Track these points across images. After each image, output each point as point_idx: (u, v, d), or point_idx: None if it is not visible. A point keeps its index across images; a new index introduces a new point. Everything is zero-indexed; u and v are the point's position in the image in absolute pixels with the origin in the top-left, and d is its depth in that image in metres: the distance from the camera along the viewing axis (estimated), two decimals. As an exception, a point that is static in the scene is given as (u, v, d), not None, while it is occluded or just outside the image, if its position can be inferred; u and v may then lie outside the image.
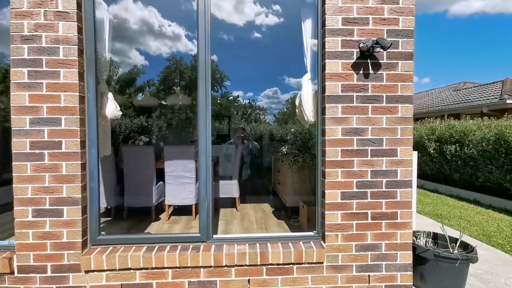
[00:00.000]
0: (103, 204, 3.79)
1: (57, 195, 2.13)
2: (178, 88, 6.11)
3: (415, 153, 2.95)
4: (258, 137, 8.46)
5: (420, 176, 8.18)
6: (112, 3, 2.36)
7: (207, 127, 2.31)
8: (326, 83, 2.28)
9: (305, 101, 2.48)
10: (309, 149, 3.48)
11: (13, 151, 2.10)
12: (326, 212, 2.29)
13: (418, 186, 8.12)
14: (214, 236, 2.37)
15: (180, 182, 3.87)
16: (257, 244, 2.32)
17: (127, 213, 3.93)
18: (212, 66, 2.31)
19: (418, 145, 7.81)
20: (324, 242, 2.32)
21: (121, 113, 2.50)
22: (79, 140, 2.13)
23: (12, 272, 2.13)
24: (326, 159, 2.28)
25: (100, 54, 2.33)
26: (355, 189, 2.30)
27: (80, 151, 2.14)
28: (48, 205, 2.13)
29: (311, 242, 2.37)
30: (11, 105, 2.09)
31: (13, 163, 2.11)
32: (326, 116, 2.28)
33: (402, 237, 2.33)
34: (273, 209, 4.50)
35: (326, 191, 2.29)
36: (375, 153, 2.30)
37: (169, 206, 3.93)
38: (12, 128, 2.10)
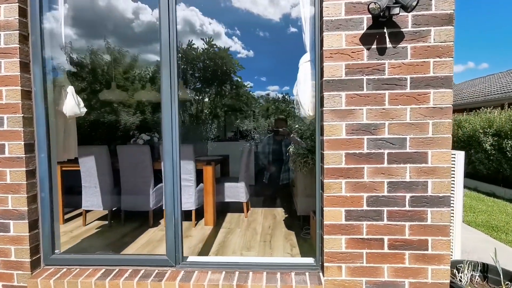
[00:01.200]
0: (100, 208, 3.58)
1: (3, 207, 1.85)
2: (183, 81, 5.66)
3: (461, 154, 2.22)
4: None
5: (473, 176, 6.99)
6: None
7: (173, 124, 1.86)
8: (324, 64, 1.68)
9: (302, 89, 1.91)
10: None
11: (-44, 156, 1.85)
12: (325, 237, 1.72)
13: (470, 188, 6.95)
14: (189, 258, 1.93)
15: (179, 184, 3.50)
16: (236, 273, 1.83)
17: (124, 217, 3.68)
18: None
19: (471, 140, 6.64)
20: (323, 275, 1.76)
21: (85, 110, 2.16)
22: (22, 143, 1.81)
23: (-40, 292, 1.90)
24: (325, 166, 1.70)
25: (54, 42, 1.99)
26: (365, 207, 1.69)
27: (25, 155, 1.82)
28: (-6, 218, 1.86)
29: (306, 274, 1.82)
30: (-48, 103, 1.83)
31: (-44, 169, 1.86)
32: (325, 108, 1.69)
33: (435, 275, 1.68)
34: (286, 215, 3.95)
35: (325, 208, 1.71)
36: (395, 159, 1.66)
37: (168, 210, 3.60)
38: (-45, 130, 1.84)
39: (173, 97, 1.84)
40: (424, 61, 1.63)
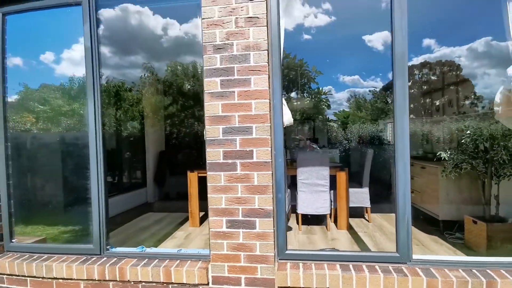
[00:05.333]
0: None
1: (249, 206, 2.07)
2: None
3: None
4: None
5: None
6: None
7: (405, 130, 2.01)
8: None
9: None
10: (483, 153, 2.95)
11: (207, 161, 2.10)
12: None
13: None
14: (414, 256, 2.05)
15: (314, 190, 3.67)
16: (474, 271, 1.93)
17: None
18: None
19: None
20: None
21: (292, 120, 2.38)
22: (270, 149, 2.03)
23: (207, 283, 2.12)
24: None
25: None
26: None
27: (271, 160, 2.04)
28: (241, 216, 2.08)
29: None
30: (206, 115, 2.09)
31: (207, 173, 2.11)
32: None
33: None
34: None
35: None
36: None
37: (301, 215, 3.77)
38: (207, 138, 2.10)
39: (403, 106, 2.01)
40: None
